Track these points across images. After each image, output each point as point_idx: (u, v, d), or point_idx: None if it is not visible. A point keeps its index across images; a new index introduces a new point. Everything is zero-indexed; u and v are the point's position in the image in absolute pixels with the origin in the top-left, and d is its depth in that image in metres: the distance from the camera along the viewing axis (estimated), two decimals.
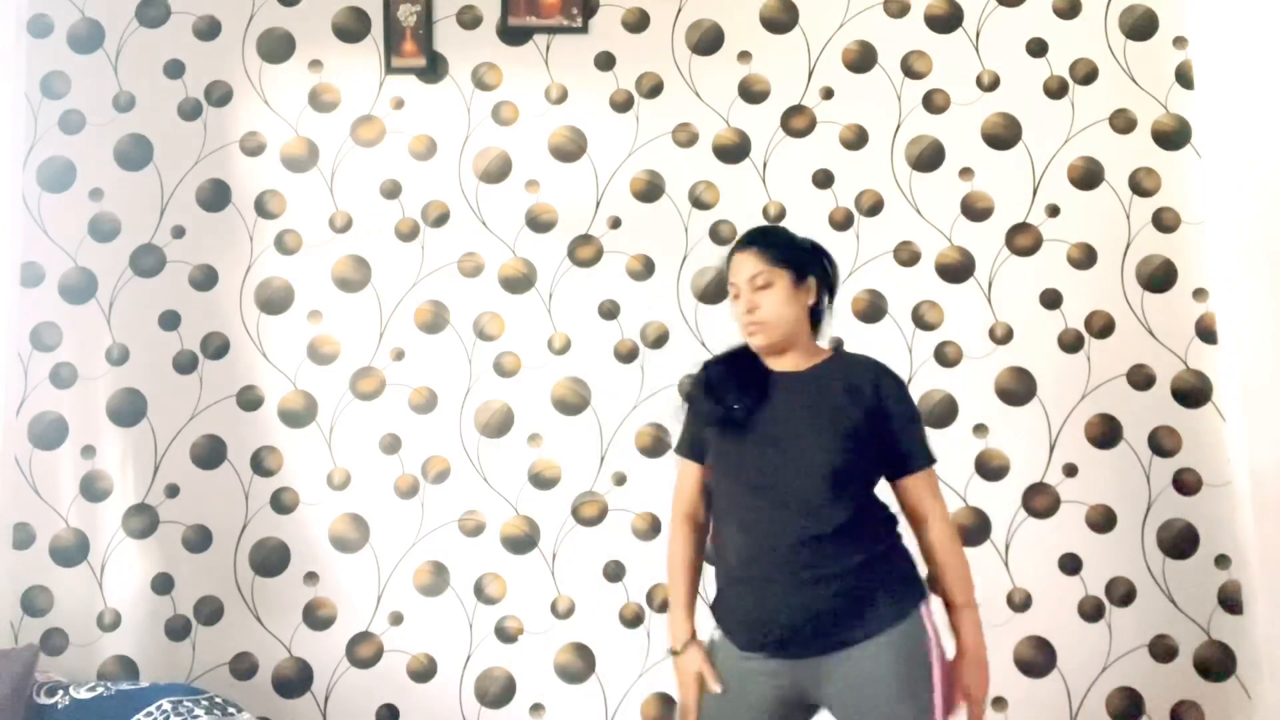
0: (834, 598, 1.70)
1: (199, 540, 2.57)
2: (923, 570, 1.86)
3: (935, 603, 1.84)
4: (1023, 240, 2.66)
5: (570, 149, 2.70)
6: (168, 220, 2.66)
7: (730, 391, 1.83)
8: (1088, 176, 2.68)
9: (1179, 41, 2.71)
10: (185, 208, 2.67)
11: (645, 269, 2.66)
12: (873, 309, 2.64)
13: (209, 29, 2.72)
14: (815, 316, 1.92)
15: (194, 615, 2.55)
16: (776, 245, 1.87)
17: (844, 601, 1.71)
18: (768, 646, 1.73)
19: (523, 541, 2.58)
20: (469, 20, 2.74)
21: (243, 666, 2.54)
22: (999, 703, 2.53)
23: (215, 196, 2.68)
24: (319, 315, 2.65)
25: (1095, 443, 2.60)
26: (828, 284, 1.94)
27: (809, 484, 1.73)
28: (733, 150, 2.70)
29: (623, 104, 2.71)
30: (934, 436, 2.57)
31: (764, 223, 2.65)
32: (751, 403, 1.80)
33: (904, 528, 1.87)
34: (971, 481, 2.59)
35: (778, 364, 1.87)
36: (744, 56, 2.73)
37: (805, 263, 1.88)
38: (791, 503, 1.72)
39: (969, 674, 1.81)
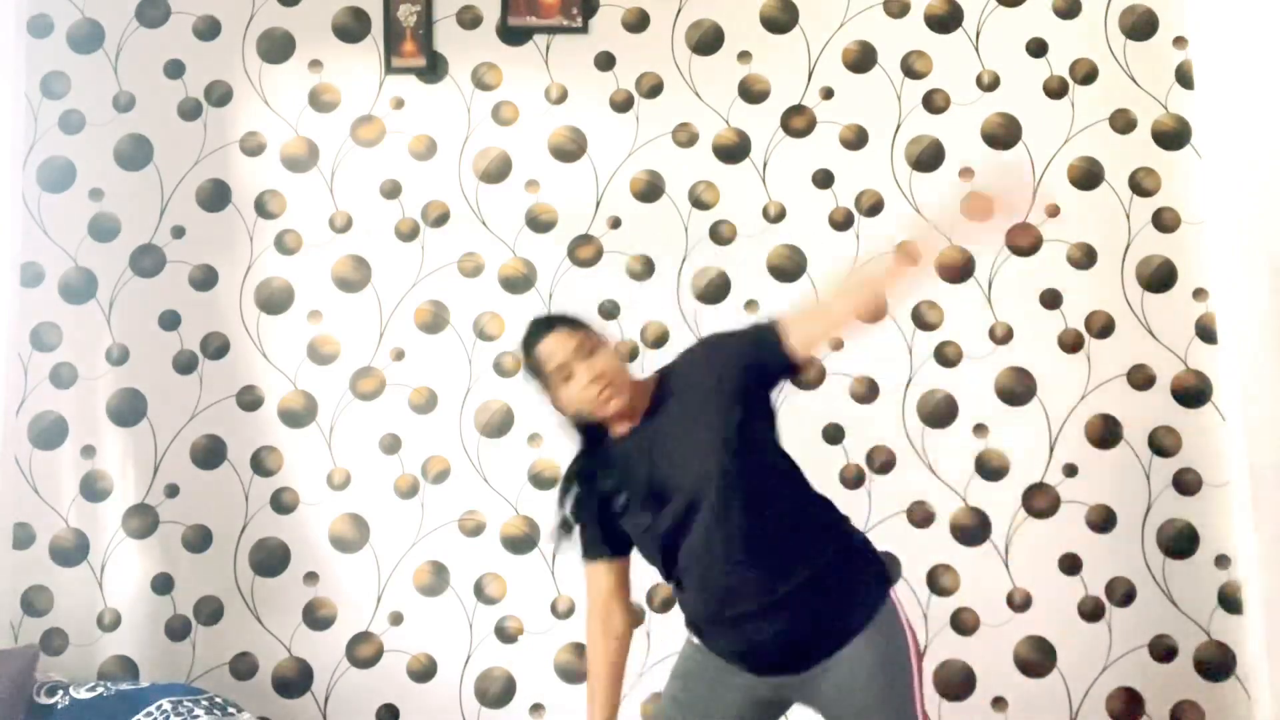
0: (811, 620, 1.67)
1: (199, 540, 2.57)
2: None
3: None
4: (1023, 240, 2.66)
5: (570, 149, 2.70)
6: (168, 220, 2.66)
7: (611, 474, 1.77)
8: (1088, 176, 2.68)
9: (1179, 41, 2.71)
10: (185, 208, 2.67)
11: (645, 269, 2.66)
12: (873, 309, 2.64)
13: (209, 29, 2.72)
14: None
15: (194, 615, 2.55)
16: (571, 319, 1.83)
17: (820, 620, 1.68)
18: (752, 669, 1.72)
19: (523, 541, 2.58)
20: (469, 20, 2.74)
21: (243, 666, 2.54)
22: (999, 703, 2.53)
23: (215, 196, 2.68)
24: (319, 315, 2.65)
25: (1095, 443, 2.60)
26: None
27: (727, 505, 1.66)
28: (733, 150, 2.70)
29: (623, 104, 2.71)
30: (934, 436, 2.60)
31: (765, 222, 2.66)
32: (633, 478, 1.74)
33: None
34: (971, 481, 2.59)
35: (623, 427, 1.79)
36: (744, 56, 2.73)
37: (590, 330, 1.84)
38: (721, 535, 1.66)
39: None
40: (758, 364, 1.74)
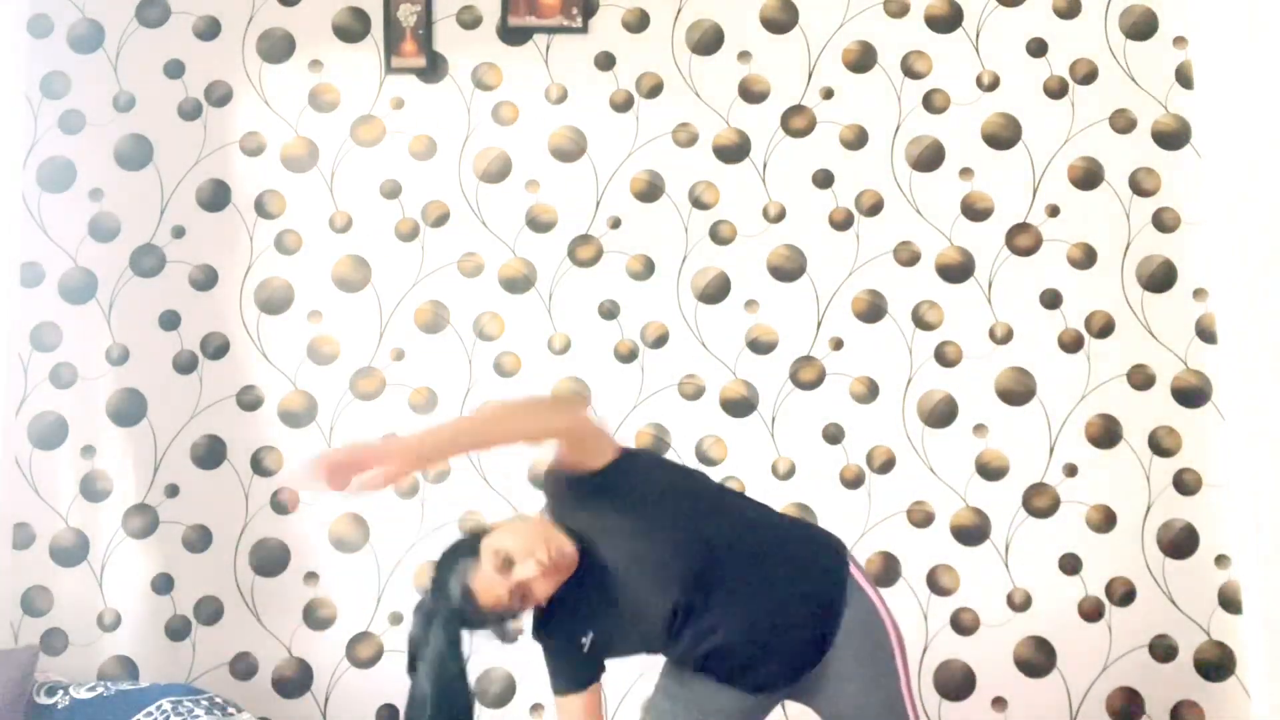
0: (791, 631, 1.67)
1: (199, 540, 2.57)
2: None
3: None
4: (1023, 240, 2.66)
5: (570, 149, 2.70)
6: (168, 220, 2.66)
7: (575, 613, 1.71)
8: (1088, 176, 2.68)
9: (1179, 41, 2.71)
10: (185, 208, 2.67)
11: (645, 269, 2.66)
12: (873, 309, 2.64)
13: (209, 29, 2.72)
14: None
15: (194, 615, 2.55)
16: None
17: (802, 630, 1.68)
18: (741, 686, 1.72)
19: None
20: (469, 20, 2.74)
21: (243, 666, 2.54)
22: (999, 703, 2.53)
23: (215, 196, 2.68)
24: (319, 315, 2.65)
25: (1095, 443, 2.60)
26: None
27: (662, 581, 1.64)
28: (733, 150, 2.70)
29: (623, 104, 2.71)
30: (934, 436, 2.60)
31: (765, 222, 2.66)
32: (585, 611, 1.70)
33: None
34: (971, 481, 2.59)
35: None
36: (744, 56, 2.73)
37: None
38: (667, 610, 1.64)
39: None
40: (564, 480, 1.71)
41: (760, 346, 2.63)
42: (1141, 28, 2.72)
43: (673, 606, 1.64)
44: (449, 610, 1.63)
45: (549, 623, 1.74)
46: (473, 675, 2.53)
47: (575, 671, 1.74)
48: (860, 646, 1.71)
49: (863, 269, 2.66)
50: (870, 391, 2.61)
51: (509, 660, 2.55)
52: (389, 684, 2.53)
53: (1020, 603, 2.56)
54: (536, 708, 2.54)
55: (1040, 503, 2.59)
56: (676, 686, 1.78)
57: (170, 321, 2.63)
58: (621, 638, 1.72)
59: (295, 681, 2.54)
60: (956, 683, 2.54)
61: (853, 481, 2.59)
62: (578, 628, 1.71)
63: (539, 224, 2.68)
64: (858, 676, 1.70)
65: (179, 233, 2.66)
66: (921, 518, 2.58)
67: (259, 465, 2.60)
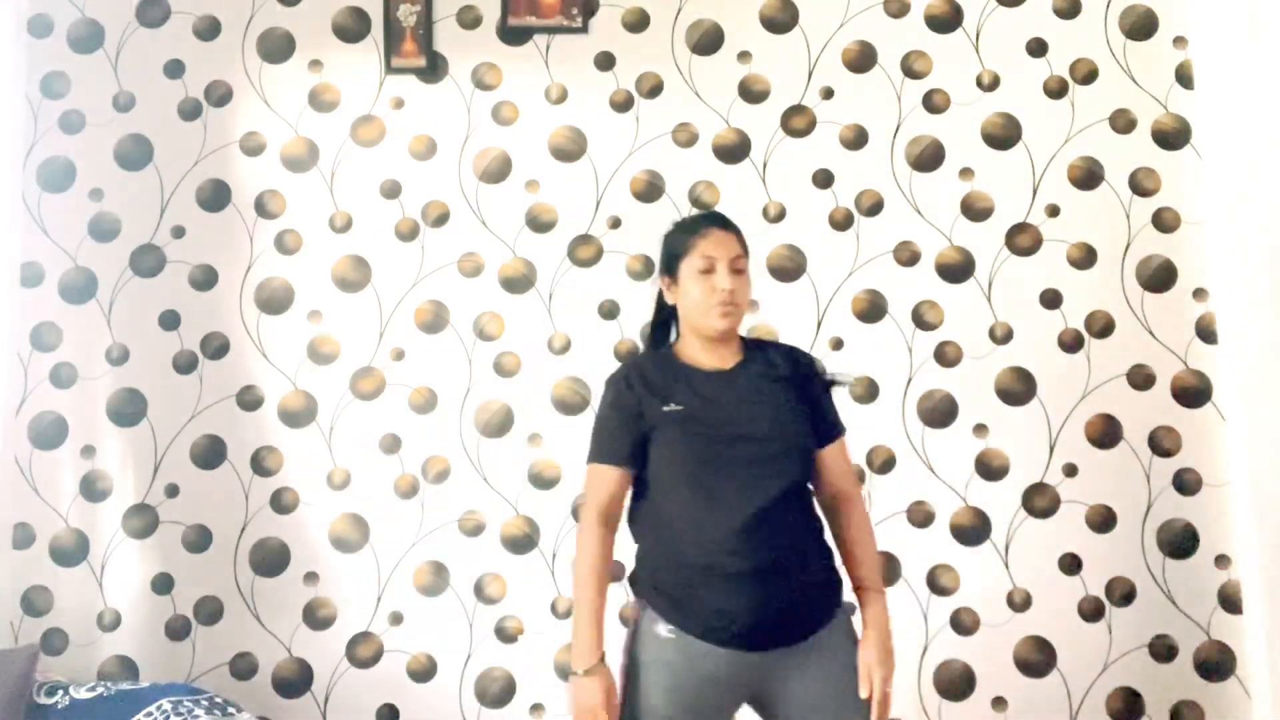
0: (800, 583, 1.72)
1: (199, 540, 2.57)
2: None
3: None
4: (1023, 240, 2.66)
5: (570, 149, 2.70)
6: (168, 220, 2.66)
7: (672, 389, 1.80)
8: (1088, 176, 2.68)
9: (1179, 41, 2.71)
10: (185, 208, 2.67)
11: (645, 269, 2.66)
12: (873, 309, 2.64)
13: (209, 29, 2.72)
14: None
15: (194, 615, 2.55)
16: (743, 236, 1.88)
17: (806, 586, 1.74)
18: (729, 640, 1.70)
19: (523, 541, 2.58)
20: (469, 20, 2.74)
21: (243, 666, 2.54)
22: (999, 703, 2.53)
23: (215, 196, 2.68)
24: (319, 315, 2.65)
25: (1095, 443, 2.60)
26: None
27: (771, 466, 1.74)
28: (733, 150, 2.70)
29: (623, 104, 2.71)
30: (934, 436, 2.60)
31: (765, 222, 2.66)
32: (701, 397, 1.79)
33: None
34: (971, 481, 2.59)
35: (711, 361, 1.84)
36: (744, 56, 2.73)
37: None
38: (756, 483, 1.73)
39: (881, 659, 1.76)
40: (817, 413, 1.85)
41: None
42: (1141, 28, 2.72)
43: (757, 442, 1.75)
44: None
45: (658, 384, 1.83)
46: (478, 663, 2.54)
47: (629, 445, 1.82)
48: (850, 662, 1.75)
49: (863, 269, 2.66)
50: (870, 391, 2.61)
51: (509, 660, 2.55)
52: (389, 684, 2.54)
53: (1020, 603, 2.56)
54: (536, 708, 2.54)
55: (1040, 503, 2.59)
56: (671, 653, 1.75)
57: (170, 321, 2.63)
58: (701, 420, 1.78)
59: (295, 681, 2.54)
60: (956, 683, 2.54)
61: None
62: (671, 395, 1.80)
63: (539, 224, 2.68)
64: (835, 689, 1.73)
65: (179, 233, 2.66)
66: (921, 517, 2.58)
67: (259, 465, 2.60)
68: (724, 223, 1.87)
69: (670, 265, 1.86)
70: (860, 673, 1.75)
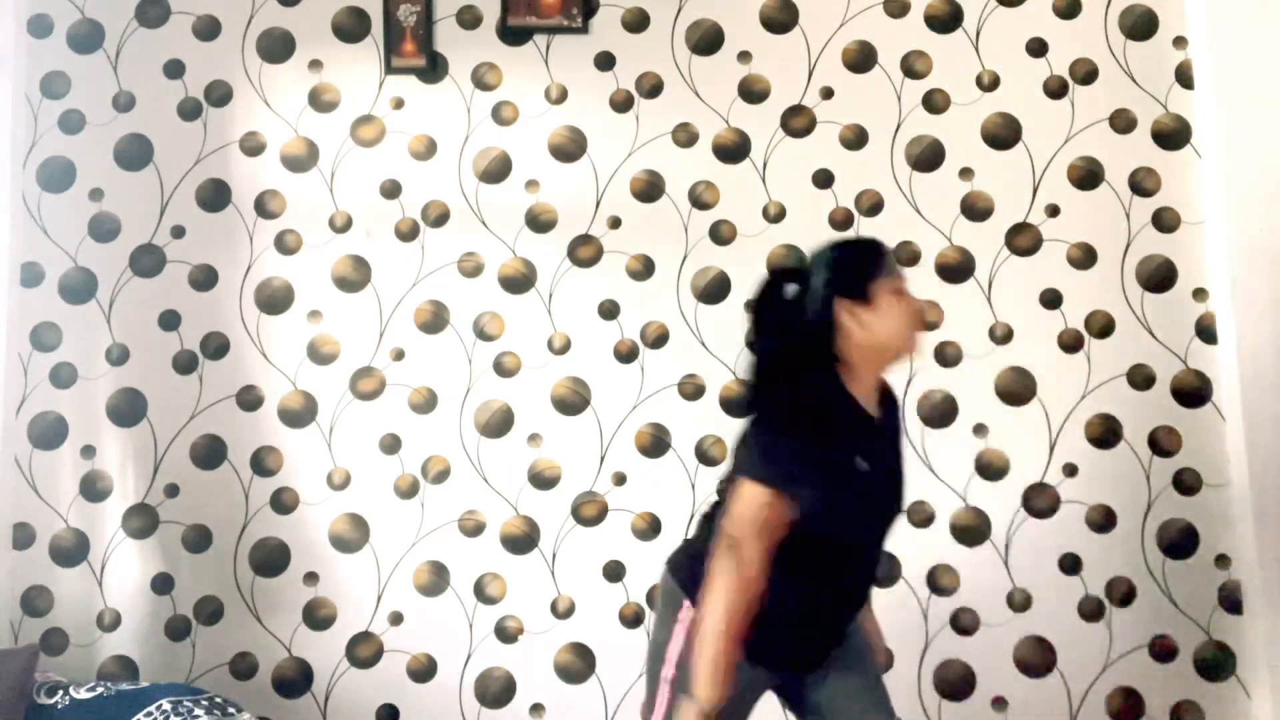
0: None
1: (199, 540, 2.57)
2: None
3: None
4: (1023, 240, 2.66)
5: (570, 149, 2.70)
6: (168, 220, 2.66)
7: (853, 436, 1.61)
8: (1088, 176, 2.68)
9: (1179, 41, 2.71)
10: (185, 208, 2.67)
11: (645, 269, 2.66)
12: None
13: (209, 29, 2.72)
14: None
15: (194, 615, 2.55)
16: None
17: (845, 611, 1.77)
18: (771, 665, 1.69)
19: (523, 541, 2.58)
20: (469, 20, 2.74)
21: (243, 666, 2.54)
22: (999, 703, 2.53)
23: (215, 196, 2.68)
24: (319, 315, 2.65)
25: (1095, 443, 2.60)
26: None
27: (887, 528, 1.70)
28: (733, 150, 2.70)
29: (623, 104, 2.71)
30: (934, 436, 2.60)
31: (765, 222, 2.66)
32: (873, 456, 1.62)
33: None
34: (971, 481, 2.59)
35: (870, 403, 1.67)
36: (744, 56, 2.73)
37: None
38: (871, 565, 1.74)
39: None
40: None
41: None
42: (1141, 28, 2.72)
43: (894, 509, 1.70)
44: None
45: (843, 421, 1.62)
46: (478, 663, 2.54)
47: (794, 476, 1.55)
48: (870, 666, 1.78)
49: None
50: None
51: (509, 660, 2.55)
52: (389, 684, 2.54)
53: (1020, 603, 2.56)
54: (536, 708, 2.54)
55: (1040, 503, 2.59)
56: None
57: (170, 321, 2.63)
58: (881, 483, 1.67)
59: (295, 681, 2.54)
60: (956, 683, 2.54)
61: None
62: (856, 446, 1.61)
63: (539, 224, 2.68)
64: (862, 697, 1.74)
65: (179, 233, 2.66)
66: (921, 518, 2.58)
67: (259, 465, 2.60)
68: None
69: (856, 285, 1.63)
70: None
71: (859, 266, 1.65)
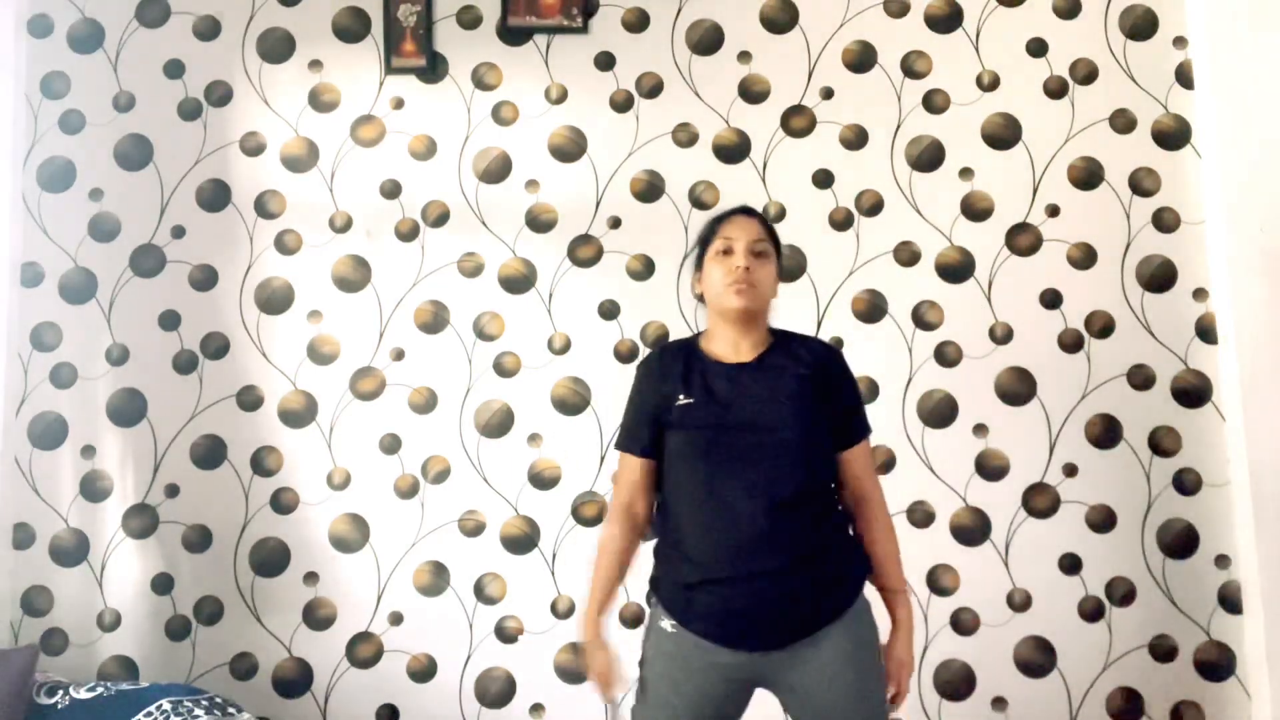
0: (809, 585, 1.70)
1: (199, 540, 2.57)
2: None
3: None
4: (1023, 240, 2.66)
5: (570, 149, 2.70)
6: (168, 220, 2.67)
7: (688, 380, 1.80)
8: (1088, 176, 2.68)
9: (1179, 41, 2.71)
10: (185, 208, 2.67)
11: (645, 269, 2.66)
12: (873, 309, 2.64)
13: (209, 29, 2.73)
14: None
15: (194, 615, 2.55)
16: (771, 227, 1.89)
17: (816, 587, 1.71)
18: (734, 641, 1.71)
19: (523, 541, 2.58)
20: (469, 20, 2.74)
21: (243, 666, 2.54)
22: (999, 703, 2.53)
23: (215, 196, 2.68)
24: (319, 315, 2.65)
25: (1095, 443, 2.60)
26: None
27: (780, 465, 1.72)
28: (733, 150, 2.70)
29: (623, 104, 2.71)
30: (934, 436, 2.60)
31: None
32: (711, 391, 1.78)
33: None
34: (971, 481, 2.59)
35: (730, 354, 1.83)
36: (744, 56, 2.73)
37: (780, 254, 1.92)
38: (763, 484, 1.71)
39: (904, 649, 1.82)
40: (838, 413, 1.82)
41: None
42: (1141, 28, 2.72)
43: (766, 432, 1.74)
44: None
45: (672, 377, 1.84)
46: (478, 663, 2.54)
47: (648, 434, 1.84)
48: (860, 657, 1.73)
49: (863, 269, 2.66)
50: (870, 391, 2.61)
51: (509, 660, 2.55)
52: (389, 684, 2.54)
53: (1020, 603, 2.56)
54: (536, 708, 2.54)
55: (1040, 503, 2.59)
56: (671, 645, 1.78)
57: (170, 321, 2.64)
58: (710, 415, 1.78)
59: (295, 681, 2.54)
60: (956, 683, 2.54)
61: None
62: (686, 390, 1.81)
63: (539, 224, 2.68)
64: (844, 684, 1.71)
65: (179, 233, 2.66)
66: (921, 518, 2.58)
67: (259, 465, 2.60)
68: (748, 211, 1.88)
69: (699, 257, 1.88)
70: (890, 669, 1.79)
71: (701, 238, 1.89)
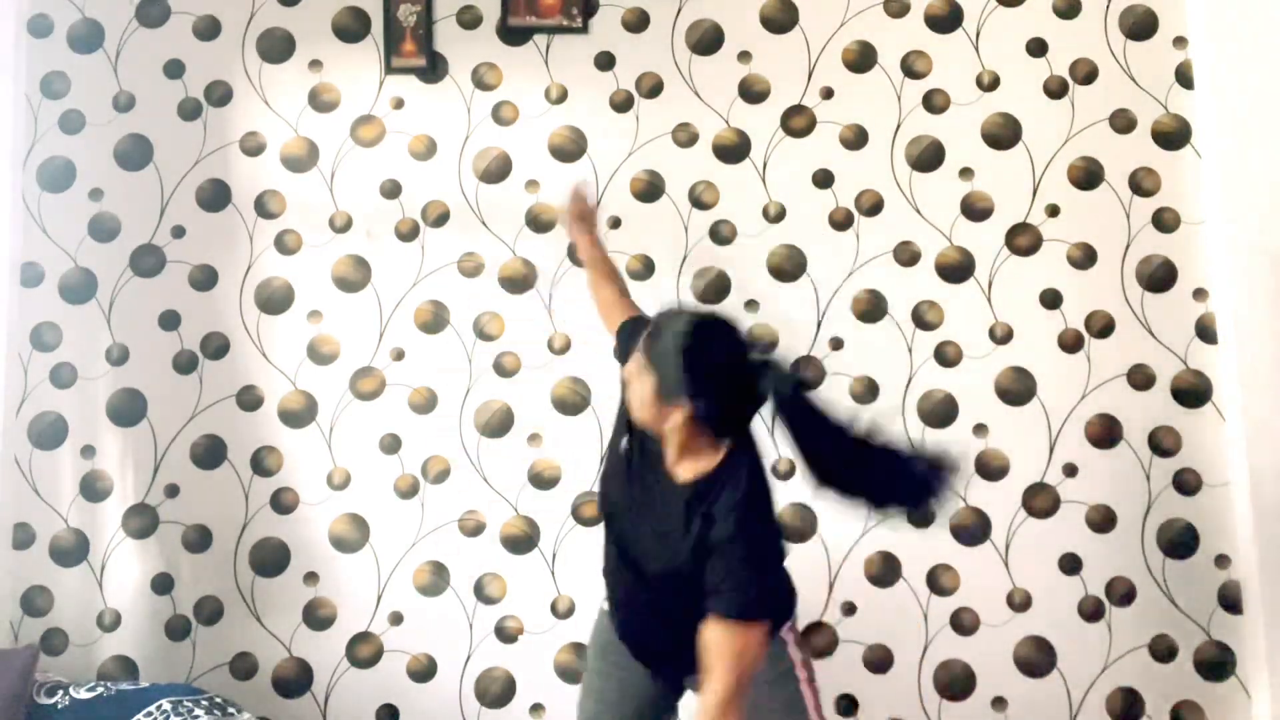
0: (690, 650, 1.60)
1: (199, 540, 2.57)
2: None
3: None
4: (1023, 240, 2.66)
5: (570, 149, 2.70)
6: (168, 220, 2.66)
7: (633, 428, 1.75)
8: (1088, 176, 2.68)
9: (1179, 41, 2.71)
10: (185, 208, 2.67)
11: (645, 269, 2.66)
12: (873, 309, 2.64)
13: (209, 29, 2.72)
14: (716, 422, 1.65)
15: (194, 615, 2.55)
16: (662, 350, 1.63)
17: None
18: (638, 657, 1.86)
19: (523, 541, 2.58)
20: (469, 20, 2.74)
21: (243, 666, 2.54)
22: (999, 703, 2.53)
23: (215, 196, 2.68)
24: (319, 315, 2.65)
25: (1095, 443, 2.60)
26: (728, 403, 1.64)
27: (664, 579, 1.70)
28: (733, 150, 2.70)
29: (623, 104, 2.71)
30: (934, 436, 2.59)
31: (765, 222, 2.66)
32: (629, 478, 1.77)
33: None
34: (971, 481, 2.59)
35: (671, 454, 1.69)
36: (744, 56, 2.73)
37: (675, 383, 1.61)
38: (646, 576, 1.75)
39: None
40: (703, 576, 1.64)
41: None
42: (1141, 28, 2.72)
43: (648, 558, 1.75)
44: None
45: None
46: (478, 663, 2.54)
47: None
48: (775, 693, 1.77)
49: (863, 269, 2.66)
50: (870, 391, 2.61)
51: (509, 660, 2.55)
52: (389, 684, 2.54)
53: (1020, 603, 2.56)
54: (536, 708, 2.54)
55: (1040, 503, 2.59)
56: (609, 666, 1.91)
57: (170, 321, 2.63)
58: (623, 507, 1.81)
59: (295, 681, 2.54)
60: (956, 683, 2.54)
61: None
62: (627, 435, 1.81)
63: (539, 224, 2.68)
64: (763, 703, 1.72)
65: (179, 233, 2.66)
66: (921, 517, 2.57)
67: (259, 465, 2.60)
68: (650, 333, 1.69)
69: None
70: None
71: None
